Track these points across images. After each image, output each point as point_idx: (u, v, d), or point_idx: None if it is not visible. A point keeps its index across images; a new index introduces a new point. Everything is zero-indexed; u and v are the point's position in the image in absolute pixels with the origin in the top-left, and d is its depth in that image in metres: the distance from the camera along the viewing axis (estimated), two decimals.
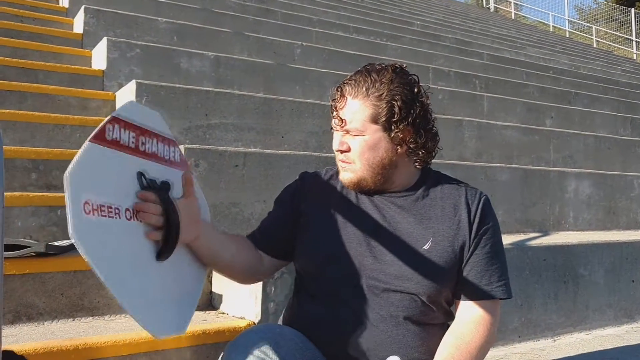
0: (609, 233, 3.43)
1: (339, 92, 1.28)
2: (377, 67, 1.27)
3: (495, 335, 1.28)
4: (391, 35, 6.87)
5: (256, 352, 1.10)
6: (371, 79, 1.23)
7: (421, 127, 1.25)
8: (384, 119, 1.22)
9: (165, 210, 1.14)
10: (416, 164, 1.30)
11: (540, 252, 2.50)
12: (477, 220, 1.28)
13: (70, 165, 0.97)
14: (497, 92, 5.38)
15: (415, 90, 1.25)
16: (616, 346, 2.37)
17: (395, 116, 1.21)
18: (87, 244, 0.95)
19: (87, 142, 1.01)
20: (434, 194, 1.31)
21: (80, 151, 1.00)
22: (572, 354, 2.24)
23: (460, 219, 1.28)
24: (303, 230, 1.34)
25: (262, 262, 1.38)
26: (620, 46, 20.20)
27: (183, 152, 1.56)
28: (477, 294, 1.27)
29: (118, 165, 1.09)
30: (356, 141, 1.24)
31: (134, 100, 1.19)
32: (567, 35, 18.53)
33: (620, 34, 21.30)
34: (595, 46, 17.55)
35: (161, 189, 1.17)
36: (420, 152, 1.27)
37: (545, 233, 3.25)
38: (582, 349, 2.31)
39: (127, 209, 1.09)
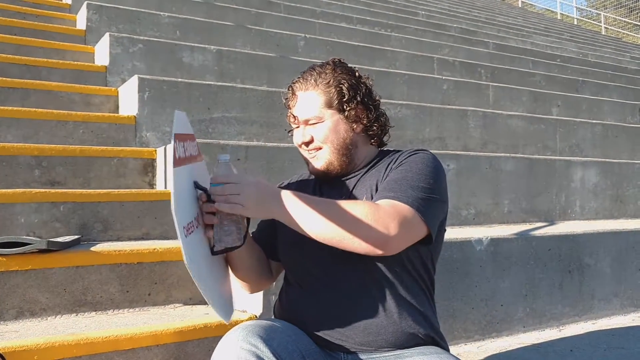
0: (616, 222, 3.40)
1: (290, 92, 1.38)
2: (318, 64, 1.39)
3: (383, 227, 1.14)
4: (395, 26, 6.82)
5: (247, 346, 1.10)
6: (316, 72, 1.36)
7: (370, 104, 1.37)
8: (336, 101, 1.33)
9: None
10: (372, 141, 1.40)
11: (545, 242, 2.49)
12: (394, 162, 1.31)
13: (172, 199, 1.05)
14: (502, 82, 5.33)
15: (357, 74, 1.38)
16: (622, 335, 2.36)
17: (345, 96, 1.33)
18: (189, 257, 1.06)
19: (172, 169, 1.10)
20: (381, 162, 1.37)
21: (171, 180, 1.08)
22: (578, 344, 2.23)
23: (384, 168, 1.32)
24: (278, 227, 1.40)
25: (269, 266, 1.46)
26: (629, 33, 19.96)
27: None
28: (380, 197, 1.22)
29: (184, 180, 1.17)
30: (317, 129, 1.33)
31: (180, 111, 1.22)
32: (575, 23, 18.34)
33: (630, 21, 21.04)
34: (604, 33, 17.35)
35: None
36: (374, 126, 1.37)
37: (551, 222, 3.22)
38: (587, 338, 2.30)
39: (195, 218, 1.18)
